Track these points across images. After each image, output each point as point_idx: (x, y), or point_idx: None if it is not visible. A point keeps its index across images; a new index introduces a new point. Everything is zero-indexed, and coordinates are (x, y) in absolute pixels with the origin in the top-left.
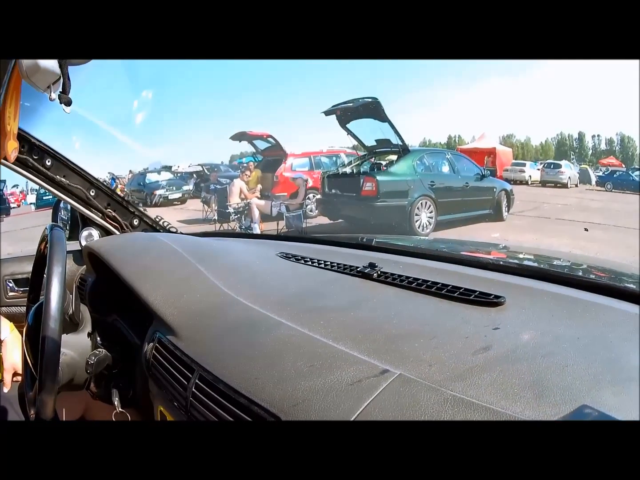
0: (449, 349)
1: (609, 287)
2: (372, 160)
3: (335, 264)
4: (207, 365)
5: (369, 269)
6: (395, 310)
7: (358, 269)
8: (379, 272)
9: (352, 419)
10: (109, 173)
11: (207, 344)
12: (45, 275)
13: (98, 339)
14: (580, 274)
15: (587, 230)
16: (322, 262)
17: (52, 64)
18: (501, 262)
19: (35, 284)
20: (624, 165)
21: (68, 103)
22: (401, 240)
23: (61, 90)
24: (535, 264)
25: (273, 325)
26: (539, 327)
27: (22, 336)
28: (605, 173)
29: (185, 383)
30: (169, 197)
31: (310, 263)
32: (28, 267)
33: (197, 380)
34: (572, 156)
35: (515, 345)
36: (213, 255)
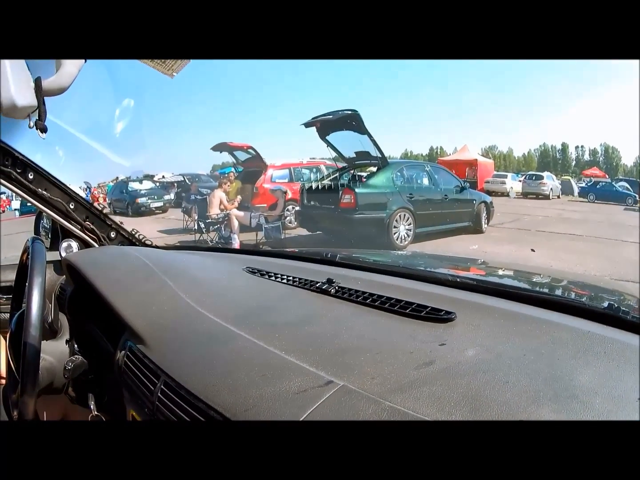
0: (392, 363)
1: (563, 303)
2: (352, 172)
3: (297, 279)
4: (171, 373)
5: (326, 285)
6: (346, 326)
7: (317, 285)
8: (336, 288)
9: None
10: (84, 182)
11: (171, 353)
12: (27, 285)
13: (75, 346)
14: (536, 288)
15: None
16: (285, 277)
17: (28, 100)
18: (458, 279)
19: (17, 292)
20: (607, 176)
21: (44, 130)
22: (368, 256)
23: (37, 117)
24: (493, 280)
25: (231, 337)
26: (485, 343)
27: (6, 342)
28: (588, 184)
29: (152, 388)
30: (151, 206)
31: (273, 278)
32: (10, 275)
33: (162, 386)
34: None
35: (457, 360)
36: (182, 269)
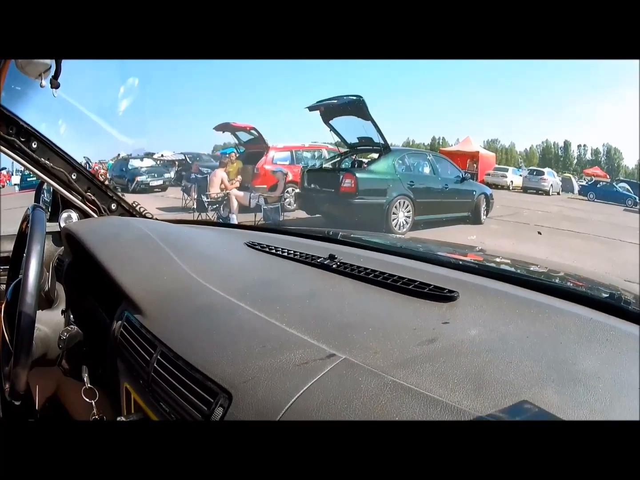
0: (395, 339)
1: (565, 290)
2: (353, 157)
3: (298, 253)
4: (168, 343)
5: (328, 260)
6: (349, 301)
7: (319, 259)
8: (338, 263)
9: (296, 397)
10: (84, 157)
11: (170, 324)
12: (25, 252)
13: (71, 316)
14: (539, 276)
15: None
16: (286, 251)
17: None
18: (460, 261)
19: (15, 262)
20: (608, 176)
21: (57, 87)
22: (369, 236)
23: (53, 75)
24: (495, 265)
25: (232, 309)
26: (488, 324)
27: (1, 312)
28: (589, 183)
29: (148, 359)
30: (150, 184)
31: (274, 251)
32: (9, 246)
33: (158, 357)
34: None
35: (461, 339)
36: (183, 241)
